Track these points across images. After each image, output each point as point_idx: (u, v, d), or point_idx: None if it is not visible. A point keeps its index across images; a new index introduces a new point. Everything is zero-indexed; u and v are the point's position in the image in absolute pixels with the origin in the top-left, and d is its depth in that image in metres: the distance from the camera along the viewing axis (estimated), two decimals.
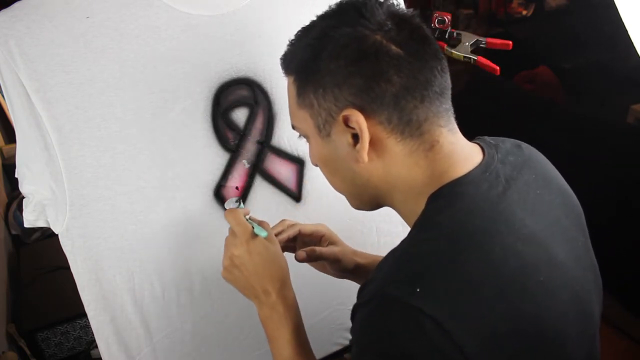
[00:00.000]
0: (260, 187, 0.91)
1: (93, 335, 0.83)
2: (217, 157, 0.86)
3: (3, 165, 1.89)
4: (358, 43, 0.58)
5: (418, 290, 0.50)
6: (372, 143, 0.60)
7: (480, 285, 0.52)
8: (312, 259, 0.83)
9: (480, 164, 0.61)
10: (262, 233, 0.73)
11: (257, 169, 0.90)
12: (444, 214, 0.56)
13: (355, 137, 0.60)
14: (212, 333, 0.92)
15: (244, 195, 0.90)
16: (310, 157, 0.69)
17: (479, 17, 2.43)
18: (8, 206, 1.76)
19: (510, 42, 0.97)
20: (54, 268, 1.48)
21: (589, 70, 1.96)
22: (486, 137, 0.67)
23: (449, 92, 0.62)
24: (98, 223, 0.78)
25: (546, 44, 2.12)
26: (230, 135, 0.86)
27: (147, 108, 0.78)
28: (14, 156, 0.77)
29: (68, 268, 0.79)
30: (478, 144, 0.65)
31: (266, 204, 0.92)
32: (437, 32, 0.95)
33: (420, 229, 0.58)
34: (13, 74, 0.69)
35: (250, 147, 0.88)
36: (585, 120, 1.94)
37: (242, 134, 0.87)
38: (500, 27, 2.37)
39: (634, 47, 1.24)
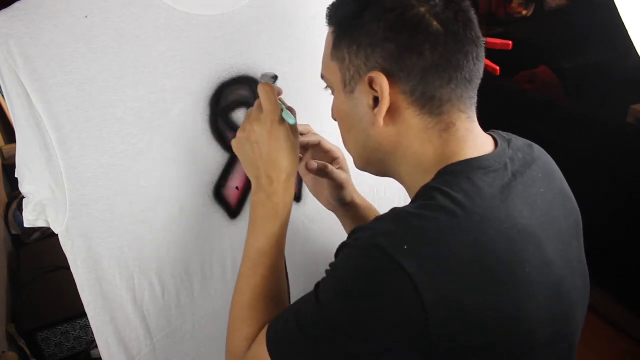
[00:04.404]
0: None
1: (93, 335, 0.83)
2: (217, 157, 0.86)
3: (3, 165, 1.89)
4: (402, 10, 0.58)
5: (406, 247, 0.52)
6: (391, 110, 0.61)
7: (467, 262, 0.53)
8: (321, 173, 0.84)
9: (492, 153, 0.62)
10: (291, 120, 0.71)
11: None
12: (449, 189, 0.57)
13: (376, 101, 0.61)
14: (212, 333, 0.92)
15: (244, 195, 0.90)
16: (331, 110, 0.71)
17: (479, 17, 2.43)
18: (8, 206, 1.77)
19: (510, 42, 0.97)
20: (54, 268, 1.48)
21: (589, 70, 1.96)
22: (500, 131, 0.68)
23: (478, 81, 0.63)
24: (98, 223, 0.78)
25: (546, 44, 2.13)
26: (230, 135, 0.86)
27: (147, 108, 0.78)
28: (14, 156, 0.77)
29: (68, 268, 0.79)
30: (492, 135, 0.66)
31: None
32: None
33: (424, 197, 0.59)
34: (13, 74, 0.69)
35: None
36: (585, 120, 1.94)
37: None
38: (500, 27, 2.38)
39: (634, 47, 1.25)
